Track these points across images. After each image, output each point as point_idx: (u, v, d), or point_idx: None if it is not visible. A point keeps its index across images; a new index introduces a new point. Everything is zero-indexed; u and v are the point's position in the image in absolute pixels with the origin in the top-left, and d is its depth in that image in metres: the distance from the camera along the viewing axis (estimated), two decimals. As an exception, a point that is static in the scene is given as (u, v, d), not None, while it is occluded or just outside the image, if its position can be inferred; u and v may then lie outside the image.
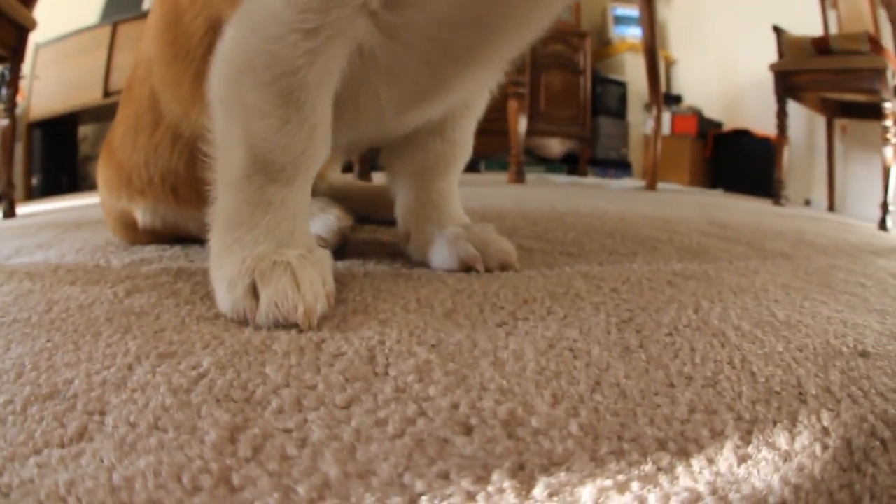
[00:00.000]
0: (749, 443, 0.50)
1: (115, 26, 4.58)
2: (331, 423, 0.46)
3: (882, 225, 2.79)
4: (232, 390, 0.50)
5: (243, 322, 0.69)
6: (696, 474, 0.45)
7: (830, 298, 1.00)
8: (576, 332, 0.69)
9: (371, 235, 1.20)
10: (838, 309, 0.94)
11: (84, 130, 4.96)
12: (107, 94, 4.46)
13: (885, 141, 2.83)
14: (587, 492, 0.42)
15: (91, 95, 4.49)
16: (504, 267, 0.97)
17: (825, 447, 0.51)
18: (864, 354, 0.74)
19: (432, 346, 0.62)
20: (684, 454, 0.47)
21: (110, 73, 4.48)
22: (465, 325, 0.69)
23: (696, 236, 1.49)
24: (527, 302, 0.79)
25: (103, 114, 4.60)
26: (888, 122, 2.80)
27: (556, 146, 5.12)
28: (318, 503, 0.39)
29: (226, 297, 0.70)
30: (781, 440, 0.51)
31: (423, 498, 0.40)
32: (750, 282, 1.04)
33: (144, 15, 3.73)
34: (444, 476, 0.42)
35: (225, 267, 0.71)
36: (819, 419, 0.55)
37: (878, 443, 0.53)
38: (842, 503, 0.46)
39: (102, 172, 1.09)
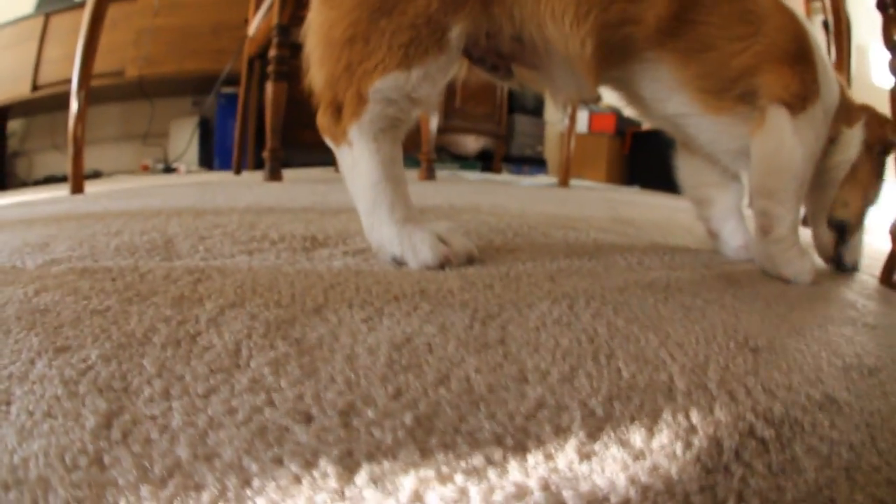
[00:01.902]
0: (596, 440, 0.52)
1: (47, 17, 4.46)
2: (190, 410, 0.50)
3: (804, 221, 2.87)
4: (113, 381, 0.55)
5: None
6: (528, 469, 0.47)
7: (728, 293, 1.03)
8: (436, 327, 0.72)
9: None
10: (735, 303, 0.96)
11: (13, 125, 4.85)
12: (35, 87, 4.35)
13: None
14: (408, 480, 0.45)
15: (19, 89, 4.39)
16: None
17: (688, 446, 0.52)
18: (755, 349, 0.76)
19: (295, 340, 0.65)
20: (521, 449, 0.49)
21: (40, 66, 4.38)
22: (332, 321, 0.72)
23: (595, 233, 1.49)
24: (397, 298, 0.81)
25: (32, 108, 4.52)
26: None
27: (471, 143, 5.11)
28: (168, 481, 0.43)
29: (810, 278, 1.20)
30: (636, 438, 0.52)
31: (256, 479, 0.44)
32: (639, 277, 1.06)
33: (79, 6, 3.66)
34: (278, 460, 0.45)
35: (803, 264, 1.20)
36: (687, 417, 0.57)
37: (754, 442, 0.54)
38: (698, 506, 0.47)
39: None
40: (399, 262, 1.00)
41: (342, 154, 1.04)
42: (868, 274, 1.43)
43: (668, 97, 1.24)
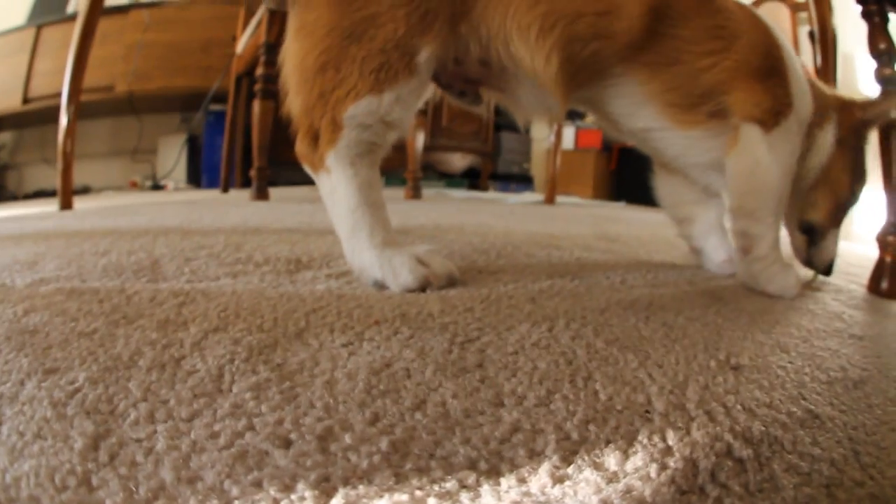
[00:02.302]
0: (570, 463, 0.52)
1: (39, 29, 4.46)
2: (174, 434, 0.52)
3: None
4: (100, 403, 0.56)
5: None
6: (501, 493, 0.48)
7: (711, 310, 1.03)
8: (415, 352, 0.72)
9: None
10: (718, 321, 0.96)
11: (3, 138, 4.83)
12: (26, 100, 4.34)
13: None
14: None
15: (10, 101, 4.37)
16: None
17: (663, 468, 0.52)
18: (736, 367, 0.76)
19: (277, 364, 0.67)
20: (494, 473, 0.50)
21: (31, 78, 4.36)
22: (313, 345, 0.73)
23: (579, 251, 1.50)
24: (377, 322, 0.82)
25: (23, 121, 4.50)
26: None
27: (457, 161, 5.10)
28: (154, 503, 0.44)
29: (795, 293, 1.22)
30: (611, 461, 0.53)
31: (236, 502, 0.45)
32: (622, 296, 1.06)
33: (71, 18, 3.67)
34: (258, 484, 0.46)
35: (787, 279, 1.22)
36: (663, 438, 0.57)
37: (731, 462, 0.54)
38: (674, 528, 0.47)
39: None
40: (381, 286, 1.01)
41: (321, 180, 1.06)
42: (857, 283, 1.44)
43: (636, 112, 1.24)
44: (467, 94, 1.24)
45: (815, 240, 1.35)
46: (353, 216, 1.03)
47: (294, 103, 1.08)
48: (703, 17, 1.19)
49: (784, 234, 1.32)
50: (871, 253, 1.48)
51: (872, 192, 1.34)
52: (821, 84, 1.34)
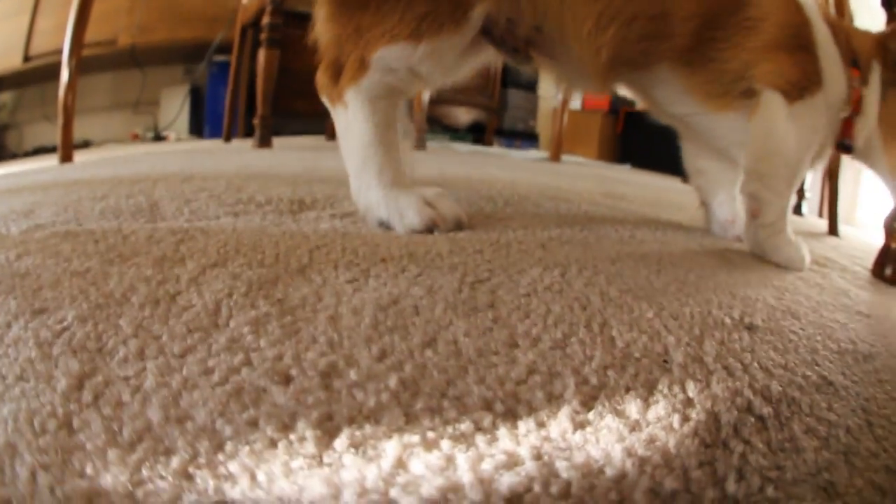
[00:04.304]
0: (591, 409, 0.50)
1: None
2: (165, 371, 0.50)
3: (797, 210, 2.84)
4: (88, 342, 0.54)
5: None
6: (520, 437, 0.46)
7: (723, 271, 1.02)
8: (424, 290, 0.70)
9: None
10: (730, 281, 0.95)
11: (3, 98, 4.82)
12: (27, 58, 4.29)
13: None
14: (391, 446, 0.43)
15: (11, 61, 4.32)
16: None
17: (686, 419, 0.51)
18: (750, 327, 0.75)
19: (277, 300, 0.64)
20: (511, 416, 0.48)
21: (32, 36, 4.33)
22: (316, 281, 0.71)
23: (586, 206, 1.48)
24: (384, 260, 0.80)
25: (23, 80, 4.47)
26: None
27: (462, 115, 5.01)
28: (137, 445, 0.42)
29: (801, 265, 1.18)
30: (632, 408, 0.51)
31: (229, 443, 0.42)
32: (632, 249, 1.05)
33: None
34: (254, 423, 0.44)
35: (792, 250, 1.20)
36: (683, 389, 0.55)
37: (752, 419, 0.53)
38: (699, 481, 0.45)
39: None
40: (386, 226, 0.99)
41: (337, 114, 1.04)
42: (861, 266, 1.43)
43: (676, 100, 1.25)
44: (519, 53, 1.21)
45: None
46: (363, 152, 1.00)
47: (324, 33, 1.04)
48: (734, 15, 1.19)
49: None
50: (876, 241, 1.47)
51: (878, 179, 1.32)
52: (856, 31, 1.31)
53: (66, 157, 2.21)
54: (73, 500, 0.39)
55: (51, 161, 2.34)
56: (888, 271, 1.37)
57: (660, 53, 1.18)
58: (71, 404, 0.46)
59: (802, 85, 1.19)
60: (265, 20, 2.61)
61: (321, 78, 1.04)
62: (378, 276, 0.74)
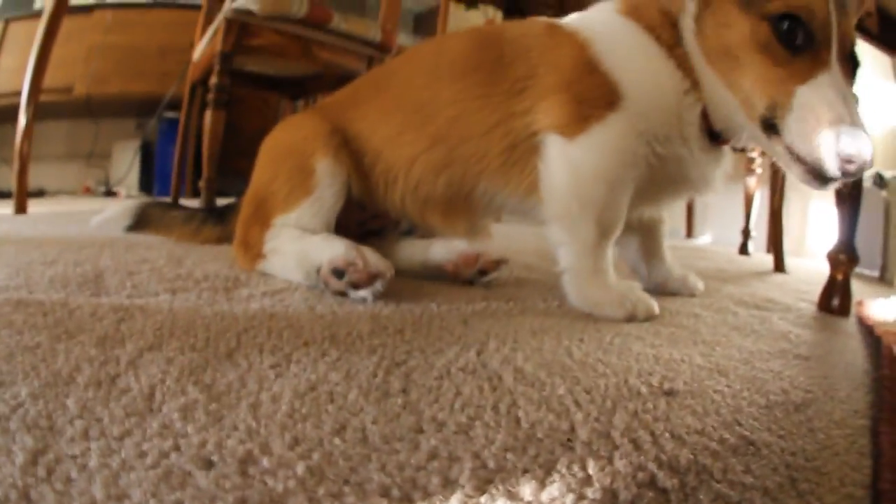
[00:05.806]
0: (484, 492, 0.52)
1: (6, 23, 4.38)
2: (106, 452, 0.53)
3: (743, 250, 2.92)
4: (40, 419, 0.58)
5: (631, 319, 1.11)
6: None
7: (650, 333, 1.02)
8: (341, 375, 0.74)
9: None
10: (656, 344, 0.96)
11: None
12: None
13: (750, 171, 2.97)
14: None
15: None
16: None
17: (580, 498, 0.52)
18: (669, 393, 0.75)
19: (206, 385, 0.69)
20: (406, 501, 0.50)
21: None
22: (242, 366, 0.75)
23: (518, 270, 1.51)
24: (306, 344, 0.84)
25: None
26: (754, 154, 2.93)
27: None
28: None
29: (618, 311, 1.13)
30: (526, 490, 0.52)
31: None
32: (557, 320, 1.06)
33: (36, 15, 3.62)
34: None
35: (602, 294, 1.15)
36: (584, 467, 0.56)
37: (652, 493, 0.54)
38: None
39: None
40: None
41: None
42: (807, 301, 1.46)
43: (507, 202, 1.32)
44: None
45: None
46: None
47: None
48: (502, 85, 1.24)
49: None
50: (823, 269, 1.50)
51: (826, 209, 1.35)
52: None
53: (21, 209, 2.24)
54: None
55: (6, 208, 2.37)
56: (835, 302, 1.41)
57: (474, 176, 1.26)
58: (28, 478, 0.49)
59: (582, 114, 1.13)
60: (212, 80, 2.59)
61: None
62: (299, 362, 0.78)
